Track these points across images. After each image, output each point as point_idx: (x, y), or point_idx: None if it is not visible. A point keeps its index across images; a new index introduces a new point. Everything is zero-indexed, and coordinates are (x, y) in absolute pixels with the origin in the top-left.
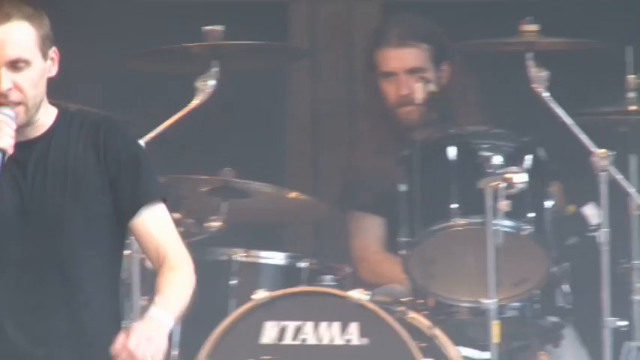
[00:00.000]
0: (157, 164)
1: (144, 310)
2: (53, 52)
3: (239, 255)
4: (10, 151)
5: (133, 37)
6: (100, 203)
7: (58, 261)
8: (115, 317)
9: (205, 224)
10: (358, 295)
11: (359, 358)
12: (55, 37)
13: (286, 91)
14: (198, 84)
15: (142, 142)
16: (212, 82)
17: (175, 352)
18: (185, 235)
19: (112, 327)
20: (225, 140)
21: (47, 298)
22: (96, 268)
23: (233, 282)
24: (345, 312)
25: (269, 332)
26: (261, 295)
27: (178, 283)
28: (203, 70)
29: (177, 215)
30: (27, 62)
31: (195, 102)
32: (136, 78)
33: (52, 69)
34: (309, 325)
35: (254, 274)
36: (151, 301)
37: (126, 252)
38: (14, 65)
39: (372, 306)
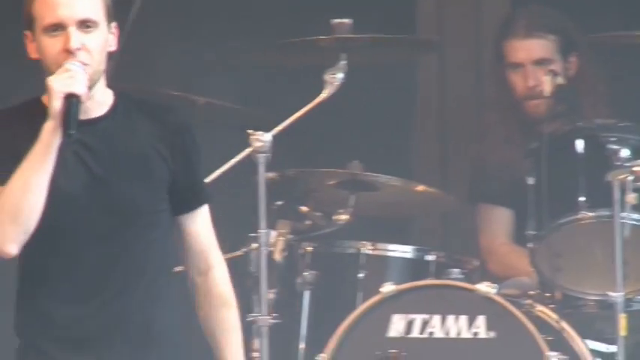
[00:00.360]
0: (286, 157)
1: (271, 303)
2: (114, 27)
3: (367, 248)
4: (85, 99)
5: (263, 30)
6: (162, 191)
7: (122, 244)
8: (170, 307)
9: (333, 217)
10: (485, 288)
11: (486, 351)
12: (187, 29)
13: (414, 83)
14: (327, 77)
15: (270, 134)
16: (340, 75)
17: (302, 346)
18: (313, 228)
19: (169, 315)
20: (353, 133)
21: (108, 279)
22: (158, 255)
23: (360, 275)
24: (473, 305)
25: (396, 325)
26: (388, 288)
27: (239, 335)
28: (331, 63)
29: (304, 208)
30: (95, 24)
31: (323, 95)
32: (264, 71)
33: (112, 42)
34: (436, 319)
35: (382, 267)
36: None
37: (254, 245)
38: (83, 25)
39: (499, 299)
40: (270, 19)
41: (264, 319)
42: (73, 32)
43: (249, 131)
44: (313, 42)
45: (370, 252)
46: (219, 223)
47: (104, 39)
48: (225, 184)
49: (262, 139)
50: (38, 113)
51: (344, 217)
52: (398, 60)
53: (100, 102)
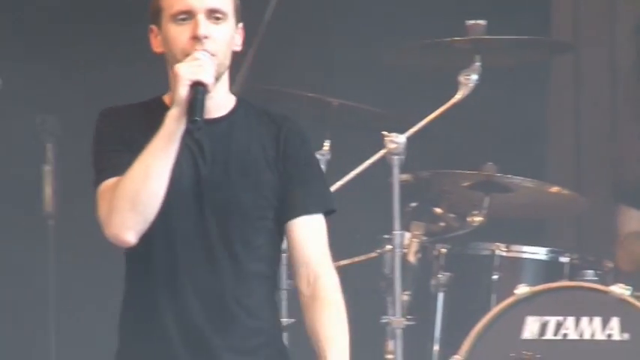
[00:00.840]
0: (420, 159)
1: (405, 305)
2: (241, 27)
3: (501, 250)
4: (211, 89)
5: (397, 31)
6: (269, 198)
7: (229, 246)
8: (274, 315)
9: (467, 219)
10: (620, 289)
11: (619, 353)
12: (321, 31)
13: (548, 84)
14: (461, 78)
15: (404, 136)
16: (475, 77)
17: (436, 348)
18: (447, 230)
19: (270, 321)
20: (487, 135)
21: (213, 281)
22: (262, 260)
23: (495, 277)
24: (607, 307)
25: (530, 327)
26: (522, 289)
27: (344, 331)
28: (466, 65)
29: (438, 210)
30: (224, 15)
31: (457, 96)
32: (398, 72)
33: (238, 42)
34: (570, 320)
35: (516, 268)
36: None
37: (388, 247)
38: (212, 15)
39: (633, 301)
40: (405, 21)
41: (399, 320)
42: (202, 20)
43: (384, 133)
44: (448, 43)
45: (504, 254)
46: (353, 225)
47: (231, 33)
48: (359, 186)
49: (396, 140)
50: (158, 111)
51: (478, 218)
52: (532, 61)
53: (220, 104)
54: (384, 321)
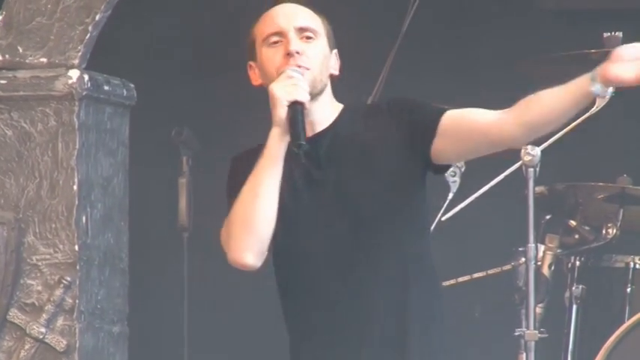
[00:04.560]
0: (555, 171)
1: (538, 317)
2: (335, 53)
3: (635, 262)
4: (308, 106)
5: (532, 43)
6: (402, 184)
7: (365, 256)
8: (434, 316)
9: (602, 231)
10: None
11: None
12: (455, 43)
13: None
14: None
15: (539, 149)
16: (610, 89)
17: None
18: (581, 242)
19: (432, 326)
20: (622, 147)
21: (355, 295)
22: (407, 262)
23: (629, 289)
24: None
25: None
26: None
27: None
28: None
29: (573, 222)
30: (315, 34)
31: (593, 109)
32: (533, 84)
33: (336, 66)
34: None
35: None
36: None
37: (522, 260)
38: (303, 33)
39: None
40: (541, 33)
41: (532, 333)
42: (293, 37)
43: None
44: (584, 55)
45: (639, 266)
46: (488, 237)
47: (324, 52)
48: (494, 199)
49: (532, 152)
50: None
51: (612, 231)
52: None
53: (324, 117)
54: (517, 333)
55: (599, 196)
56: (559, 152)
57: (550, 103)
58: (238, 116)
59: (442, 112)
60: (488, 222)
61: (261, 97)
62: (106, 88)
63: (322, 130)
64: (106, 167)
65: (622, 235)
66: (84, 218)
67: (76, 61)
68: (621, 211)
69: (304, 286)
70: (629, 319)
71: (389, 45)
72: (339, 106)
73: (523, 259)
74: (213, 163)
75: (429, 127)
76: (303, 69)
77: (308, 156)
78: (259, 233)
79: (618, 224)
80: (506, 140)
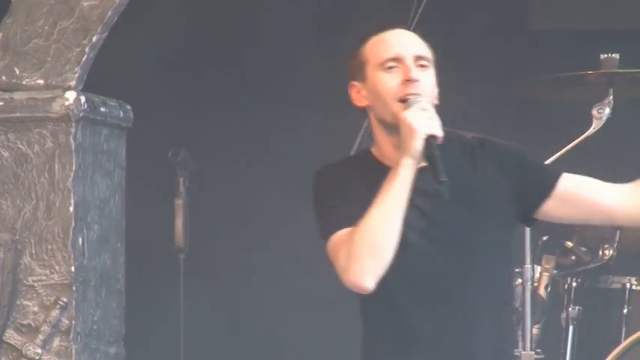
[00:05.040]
0: None
1: (535, 338)
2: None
3: (632, 283)
4: (440, 141)
5: (529, 64)
6: (503, 222)
7: (464, 289)
8: (503, 355)
9: (599, 252)
10: None
11: None
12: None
13: None
14: (594, 112)
15: None
16: (607, 110)
17: None
18: (578, 264)
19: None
20: (617, 168)
21: (448, 323)
22: (497, 291)
23: (625, 310)
24: None
25: None
26: None
27: None
28: (599, 98)
29: (569, 244)
30: (429, 62)
31: (590, 130)
32: (529, 105)
33: (437, 96)
34: None
35: None
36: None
37: (518, 281)
38: (419, 61)
39: None
40: (536, 54)
41: (529, 354)
42: (412, 64)
43: None
44: (581, 77)
45: (635, 287)
46: None
47: (434, 81)
48: None
49: None
50: (372, 166)
51: (609, 252)
52: None
53: None
54: (514, 354)
55: None
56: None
57: None
58: (235, 138)
59: (558, 175)
60: None
61: (259, 118)
62: (103, 109)
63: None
64: (102, 189)
65: (618, 256)
66: (80, 239)
67: (73, 83)
68: (618, 232)
69: (405, 314)
70: (625, 339)
71: None
72: None
73: (520, 280)
74: (210, 184)
75: (543, 191)
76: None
77: (444, 193)
78: (385, 259)
79: (615, 245)
80: (626, 224)
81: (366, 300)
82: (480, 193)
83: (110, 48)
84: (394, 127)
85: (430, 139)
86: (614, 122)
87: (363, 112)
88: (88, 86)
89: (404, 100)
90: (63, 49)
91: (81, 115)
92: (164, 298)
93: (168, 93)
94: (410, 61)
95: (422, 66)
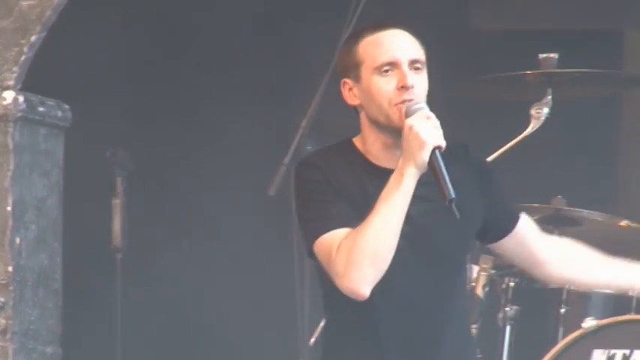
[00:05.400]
0: None
1: None
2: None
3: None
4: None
5: (469, 64)
6: (473, 235)
7: (441, 296)
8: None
9: None
10: None
11: None
12: None
13: (619, 118)
14: (533, 112)
15: None
16: (546, 110)
17: None
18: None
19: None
20: (556, 168)
21: (428, 330)
22: (460, 301)
23: (562, 310)
24: None
25: None
26: (589, 323)
27: None
28: (537, 98)
29: None
30: (423, 65)
31: (528, 130)
32: (468, 105)
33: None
34: (637, 354)
35: (583, 302)
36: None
37: None
38: (413, 65)
39: None
40: (475, 54)
41: None
42: (407, 70)
43: None
44: (520, 77)
45: (572, 287)
46: None
47: (427, 83)
48: None
49: None
50: (355, 158)
51: None
52: (604, 95)
53: None
54: None
55: (534, 218)
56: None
57: (595, 281)
58: (172, 137)
59: (519, 214)
60: None
61: (196, 118)
62: (41, 109)
63: None
64: (40, 188)
65: None
66: (18, 239)
67: (11, 83)
68: (556, 232)
69: (379, 317)
70: (562, 339)
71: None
72: None
73: None
74: (148, 184)
75: (507, 227)
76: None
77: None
78: (384, 268)
79: None
80: (546, 281)
81: (335, 299)
82: (463, 203)
83: (49, 47)
84: (387, 128)
85: (435, 150)
86: (552, 122)
87: (305, 109)
88: (26, 86)
89: (400, 103)
90: (1, 49)
91: (19, 114)
92: (101, 297)
93: (106, 93)
94: (405, 66)
95: (416, 69)
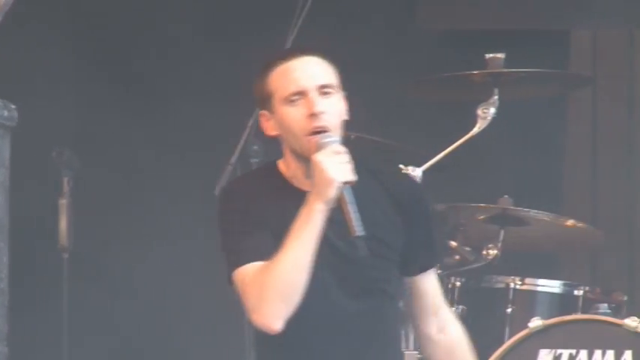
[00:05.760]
0: (436, 192)
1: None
2: (344, 96)
3: (515, 283)
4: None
5: (415, 64)
6: (395, 261)
7: (371, 318)
8: None
9: (482, 252)
10: (633, 323)
11: None
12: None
13: (565, 117)
14: (479, 111)
15: (420, 170)
16: (492, 110)
17: None
18: (462, 263)
19: None
20: (503, 168)
21: (359, 354)
22: (390, 325)
23: (509, 310)
24: (620, 340)
25: None
26: (536, 322)
27: None
28: (484, 98)
29: (454, 243)
30: (333, 89)
31: (475, 129)
32: (415, 105)
33: (345, 112)
34: (583, 353)
35: (530, 302)
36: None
37: None
38: (322, 90)
39: None
40: (423, 54)
41: (412, 354)
42: (315, 96)
43: (400, 166)
44: (466, 76)
45: (519, 287)
46: None
47: (341, 105)
48: None
49: (413, 173)
50: (279, 182)
51: (493, 252)
52: (550, 94)
53: None
54: None
55: (480, 217)
56: (440, 173)
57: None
58: (119, 137)
59: (437, 261)
60: None
61: (144, 117)
62: None
63: None
64: None
65: (502, 256)
66: None
67: None
68: (502, 232)
69: (302, 344)
70: (508, 339)
71: None
72: None
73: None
74: (94, 184)
75: (425, 266)
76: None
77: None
78: (295, 302)
79: (499, 245)
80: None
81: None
82: (387, 231)
83: None
84: (305, 158)
85: (344, 185)
86: (498, 122)
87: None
88: None
89: (313, 133)
90: None
91: None
92: (48, 297)
93: (52, 92)
94: (313, 93)
95: (326, 93)
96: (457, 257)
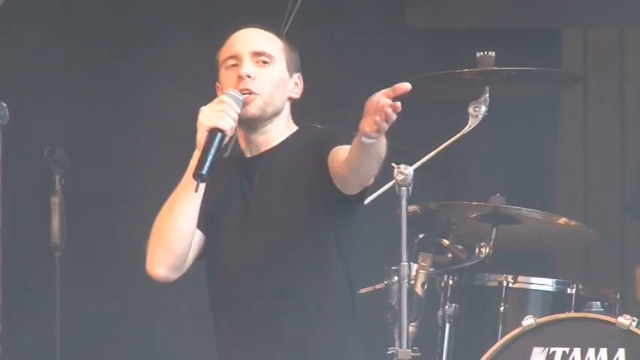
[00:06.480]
0: (428, 190)
1: (411, 336)
2: (298, 77)
3: (508, 281)
4: (229, 133)
5: (407, 62)
6: (308, 209)
7: (281, 273)
8: (339, 344)
9: (475, 250)
10: (626, 321)
11: None
12: (324, 64)
13: (558, 116)
14: (470, 110)
15: (412, 168)
16: (484, 108)
17: None
18: (454, 262)
19: (335, 353)
20: (495, 166)
21: (266, 306)
22: (319, 285)
23: (502, 308)
24: (613, 338)
25: (537, 358)
26: (529, 321)
27: None
28: (475, 96)
29: (446, 241)
30: (270, 59)
31: (466, 128)
32: (406, 104)
33: (295, 90)
34: (576, 352)
35: (523, 300)
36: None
37: (395, 278)
38: (258, 57)
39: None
40: (414, 52)
41: (405, 352)
42: (246, 61)
43: (392, 164)
44: (457, 75)
45: (511, 285)
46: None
47: (279, 76)
48: (367, 217)
49: (405, 172)
50: (236, 155)
51: (485, 250)
52: (542, 93)
53: (274, 138)
54: (390, 352)
55: (472, 216)
56: (432, 171)
57: (351, 154)
58: (110, 135)
59: (334, 146)
60: (360, 240)
61: (135, 115)
62: None
63: (265, 151)
64: None
65: (495, 254)
66: None
67: None
68: (494, 230)
69: (226, 293)
70: (501, 337)
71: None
72: (293, 129)
73: (396, 278)
74: (86, 182)
75: (323, 161)
76: (254, 95)
77: (245, 174)
78: (172, 249)
79: (491, 243)
80: (344, 180)
81: (208, 286)
82: (297, 182)
83: None
84: (241, 122)
85: (214, 132)
86: (490, 120)
87: None
88: None
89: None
90: None
91: None
92: (40, 295)
93: (43, 91)
94: (245, 58)
95: (263, 62)
96: (449, 256)
